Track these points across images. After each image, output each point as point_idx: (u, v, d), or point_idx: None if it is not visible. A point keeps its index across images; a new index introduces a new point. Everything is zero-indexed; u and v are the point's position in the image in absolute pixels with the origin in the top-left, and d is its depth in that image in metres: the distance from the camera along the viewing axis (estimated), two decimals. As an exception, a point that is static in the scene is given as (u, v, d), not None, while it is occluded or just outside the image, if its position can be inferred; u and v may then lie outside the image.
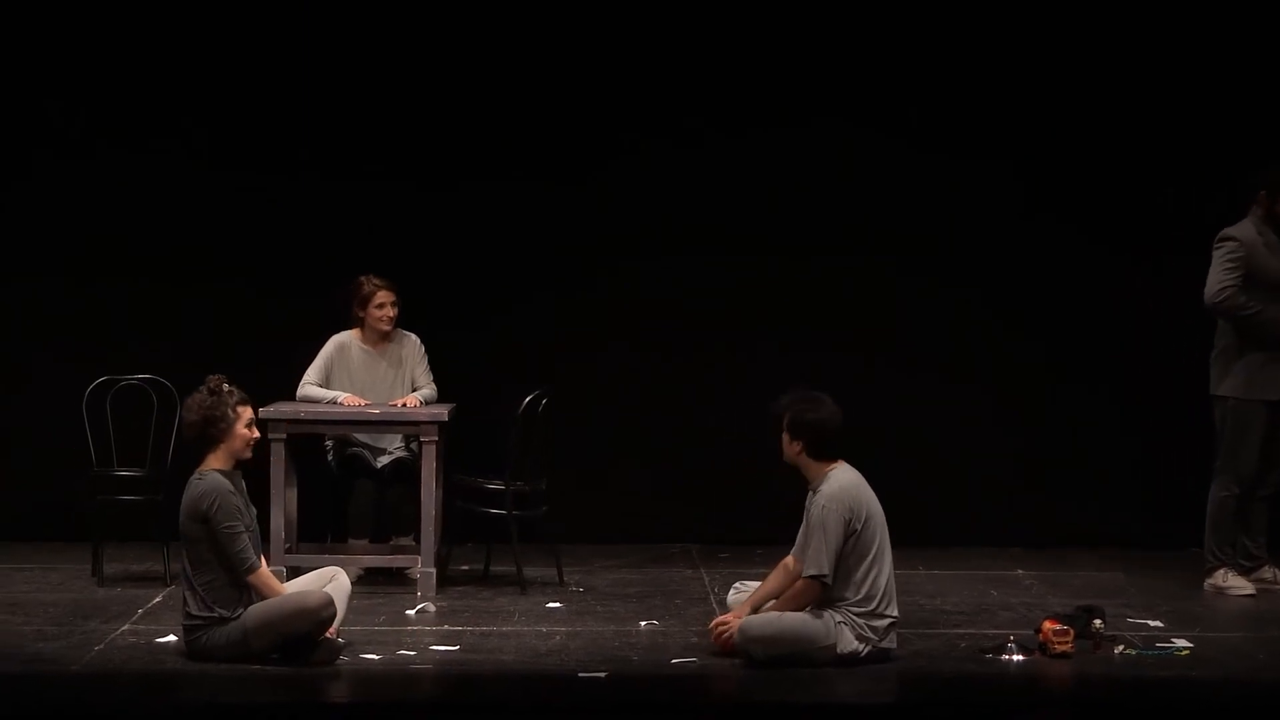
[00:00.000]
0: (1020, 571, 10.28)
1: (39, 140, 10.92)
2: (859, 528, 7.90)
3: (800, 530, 8.12)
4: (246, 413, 8.02)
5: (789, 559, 8.15)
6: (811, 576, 7.89)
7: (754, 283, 11.01)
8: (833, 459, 8.02)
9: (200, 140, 10.92)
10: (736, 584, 8.45)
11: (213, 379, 8.01)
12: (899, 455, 10.67)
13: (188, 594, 7.92)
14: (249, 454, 8.07)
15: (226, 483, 7.91)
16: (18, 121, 10.90)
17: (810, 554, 7.89)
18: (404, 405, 9.81)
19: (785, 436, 8.02)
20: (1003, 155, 10.97)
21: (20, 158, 10.94)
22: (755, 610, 8.07)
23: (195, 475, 7.96)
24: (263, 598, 7.91)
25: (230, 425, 7.94)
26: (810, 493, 8.05)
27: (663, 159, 10.95)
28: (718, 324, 11.03)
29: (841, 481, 7.97)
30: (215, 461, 7.96)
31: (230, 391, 7.99)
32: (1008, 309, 11.00)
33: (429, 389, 10.06)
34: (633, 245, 10.98)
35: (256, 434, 8.07)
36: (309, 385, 9.93)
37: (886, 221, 10.96)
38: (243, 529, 7.88)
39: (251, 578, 7.87)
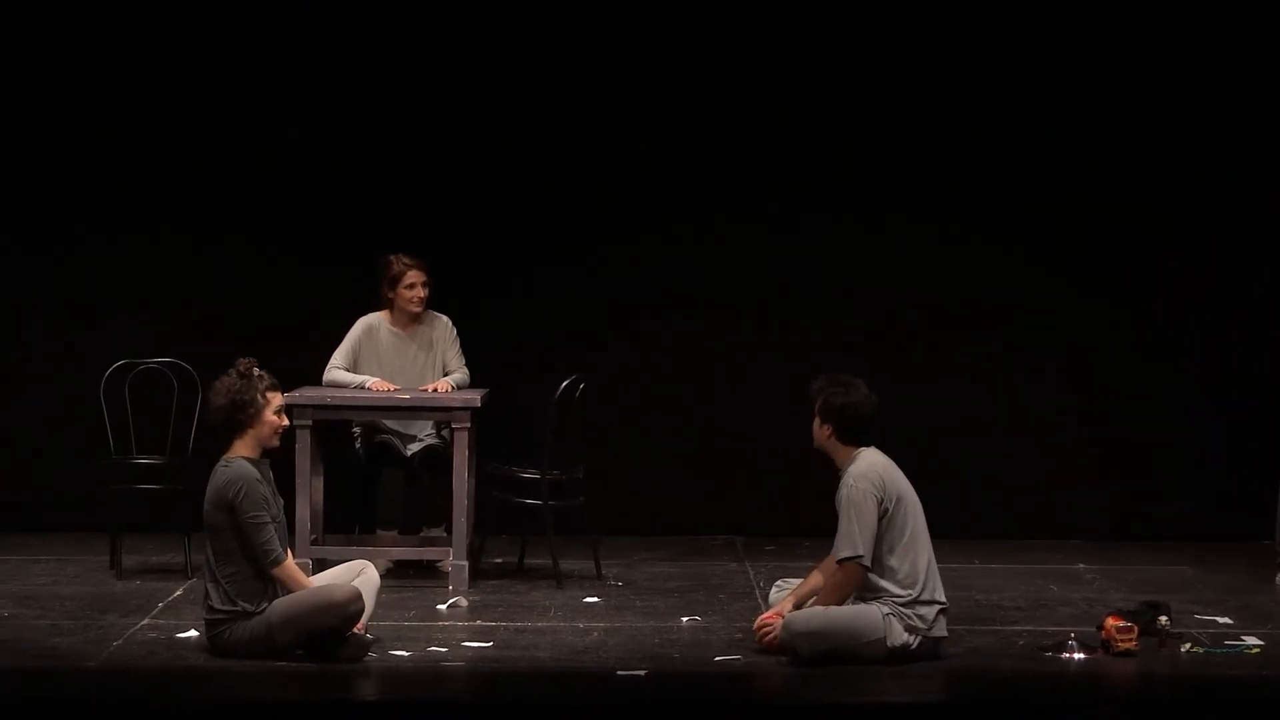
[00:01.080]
0: (1081, 565, 10.25)
1: (50, 117, 10.95)
2: (890, 508, 7.88)
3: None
4: (276, 399, 8.02)
5: (831, 556, 8.12)
6: (846, 559, 7.86)
7: (806, 264, 11.02)
8: (863, 444, 8.00)
9: (220, 119, 10.93)
10: (779, 582, 8.43)
11: (243, 362, 8.01)
12: (953, 444, 10.67)
13: (210, 586, 7.94)
14: (277, 442, 8.08)
15: (254, 471, 7.92)
16: (27, 93, 10.93)
17: (841, 536, 7.87)
18: (434, 390, 9.80)
19: (816, 420, 8.03)
20: (1071, 139, 10.96)
21: (33, 135, 10.96)
22: (799, 607, 8.05)
23: (221, 462, 7.97)
24: (288, 592, 7.91)
25: (259, 411, 7.95)
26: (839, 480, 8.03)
27: (699, 138, 10.97)
28: (765, 306, 11.04)
29: (870, 461, 7.97)
30: (242, 449, 7.97)
31: (260, 376, 7.99)
32: (1068, 293, 10.99)
33: (461, 373, 10.05)
34: (678, 221, 11.01)
35: (286, 421, 8.08)
36: (336, 370, 9.93)
37: (946, 199, 10.97)
38: (269, 519, 7.88)
39: (276, 571, 7.88)
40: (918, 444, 8.16)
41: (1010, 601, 9.27)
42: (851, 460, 7.98)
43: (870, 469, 7.93)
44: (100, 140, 10.95)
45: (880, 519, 7.87)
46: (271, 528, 7.89)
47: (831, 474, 8.09)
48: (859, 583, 7.88)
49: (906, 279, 10.96)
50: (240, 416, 7.94)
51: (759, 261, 11.02)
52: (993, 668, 7.96)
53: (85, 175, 10.96)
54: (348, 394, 9.72)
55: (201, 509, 8.00)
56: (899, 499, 7.92)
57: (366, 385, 9.79)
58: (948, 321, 10.96)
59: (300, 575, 7.99)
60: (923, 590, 7.91)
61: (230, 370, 8.02)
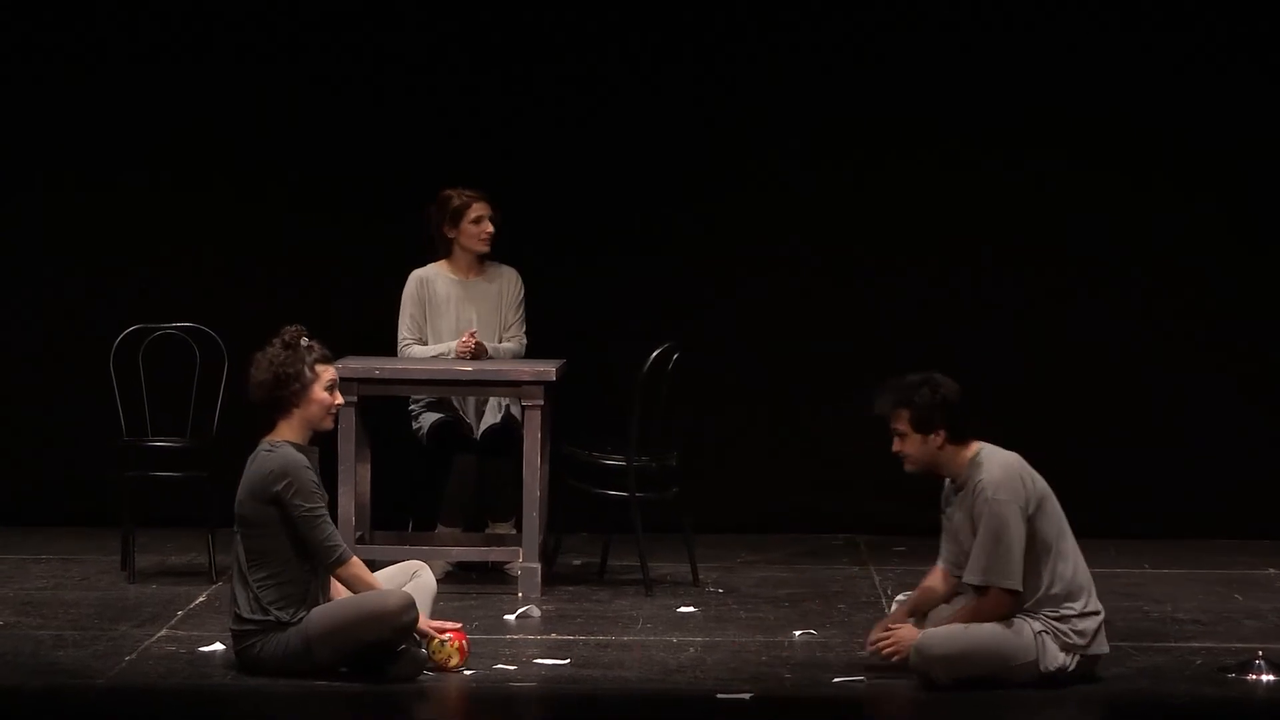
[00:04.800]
0: (1271, 571, 10.22)
1: (59, 41, 11.05)
2: (1034, 514, 7.83)
3: (944, 537, 8.06)
4: (327, 373, 8.07)
5: (939, 569, 8.10)
6: (988, 586, 7.79)
7: (949, 221, 11.04)
8: (972, 439, 7.95)
9: (248, 44, 10.99)
10: (899, 596, 8.39)
11: (290, 330, 8.07)
12: (1123, 431, 10.65)
13: (238, 591, 7.98)
14: (329, 424, 8.14)
15: (302, 457, 7.97)
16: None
17: (991, 561, 7.79)
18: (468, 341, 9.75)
19: (910, 439, 7.91)
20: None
21: (34, 58, 11.03)
22: (916, 615, 8.02)
23: (264, 445, 8.02)
24: (353, 593, 7.94)
25: (306, 387, 8.00)
26: (951, 490, 7.97)
27: (816, 79, 11.05)
28: (892, 256, 11.06)
29: (1000, 463, 7.89)
30: (288, 431, 8.02)
31: (309, 346, 8.05)
32: (1252, 266, 10.99)
33: (516, 342, 10.07)
34: (795, 163, 11.02)
35: (339, 400, 8.13)
36: (411, 346, 9.92)
37: (1121, 170, 11.02)
38: (325, 511, 7.94)
39: (342, 570, 7.93)
40: (1082, 431, 8.10)
41: (1186, 614, 9.24)
42: (975, 465, 7.90)
43: (1007, 475, 7.86)
44: (107, 62, 11.00)
45: (1027, 524, 7.81)
46: (330, 521, 7.95)
47: (931, 480, 8.03)
48: (1010, 613, 7.83)
49: (1064, 249, 11.00)
50: (283, 393, 7.98)
51: (891, 213, 11.03)
52: (1166, 692, 7.93)
53: (87, 102, 11.01)
54: (399, 365, 9.73)
55: (228, 499, 8.05)
56: (1042, 501, 7.87)
57: (451, 353, 9.77)
58: (1119, 294, 10.99)
59: (368, 574, 8.03)
60: (1080, 602, 7.87)
61: (274, 340, 8.06)
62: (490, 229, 10.03)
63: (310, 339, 8.08)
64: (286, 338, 8.06)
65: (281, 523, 7.91)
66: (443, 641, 7.99)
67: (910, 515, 10.81)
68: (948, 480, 8.02)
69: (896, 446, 7.98)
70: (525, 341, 10.11)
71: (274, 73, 10.96)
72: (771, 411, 11.07)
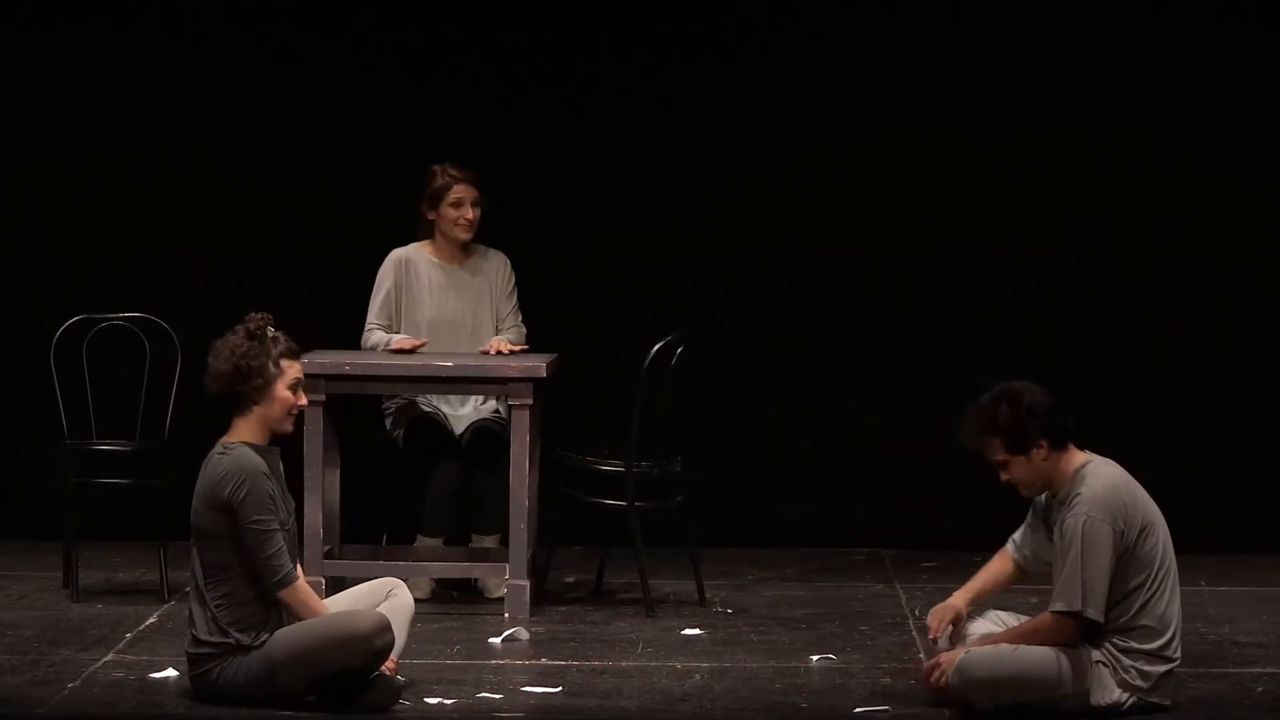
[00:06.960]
0: (1339, 590, 10.27)
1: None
2: (1134, 538, 7.80)
3: (1026, 524, 8.07)
4: (293, 370, 8.05)
5: (1008, 548, 8.11)
6: (1061, 612, 7.76)
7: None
8: (1077, 445, 7.92)
9: (234, 33, 11.03)
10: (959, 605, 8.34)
11: (255, 318, 8.05)
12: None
13: (196, 610, 7.95)
14: (289, 426, 8.12)
15: (259, 461, 7.94)
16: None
17: (1062, 583, 7.77)
18: (493, 351, 9.72)
19: (1017, 460, 7.86)
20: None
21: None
22: (973, 603, 8.02)
23: (218, 448, 8.00)
24: (296, 620, 7.91)
25: (269, 383, 7.97)
26: (1054, 503, 7.94)
27: (822, 47, 11.13)
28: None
29: (1105, 479, 7.84)
30: (245, 431, 8.00)
31: (275, 338, 8.02)
32: (1245, 257, 11.11)
33: (516, 330, 10.05)
34: (811, 139, 11.08)
35: (303, 400, 8.12)
36: (375, 331, 9.90)
37: (1174, 159, 11.14)
38: (277, 526, 7.90)
39: (284, 594, 7.90)
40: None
41: (1246, 635, 9.26)
42: (1078, 479, 7.85)
43: (1110, 492, 7.81)
44: (45, 29, 10.98)
45: (1121, 554, 7.77)
46: (280, 536, 7.90)
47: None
48: (1069, 640, 7.80)
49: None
50: (243, 388, 7.96)
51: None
52: (1225, 722, 7.95)
53: (24, 70, 10.98)
54: (371, 361, 9.68)
55: (182, 508, 8.03)
56: (1146, 526, 7.83)
57: (390, 345, 9.74)
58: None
59: (315, 600, 8.00)
60: (1159, 643, 7.83)
61: (238, 327, 8.03)
62: (470, 215, 9.95)
63: (277, 330, 8.05)
64: (252, 326, 8.02)
65: (231, 534, 7.88)
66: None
67: (940, 527, 10.88)
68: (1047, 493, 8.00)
69: (1004, 477, 7.92)
70: (524, 329, 10.07)
71: (248, 58, 10.99)
72: (783, 414, 11.08)
